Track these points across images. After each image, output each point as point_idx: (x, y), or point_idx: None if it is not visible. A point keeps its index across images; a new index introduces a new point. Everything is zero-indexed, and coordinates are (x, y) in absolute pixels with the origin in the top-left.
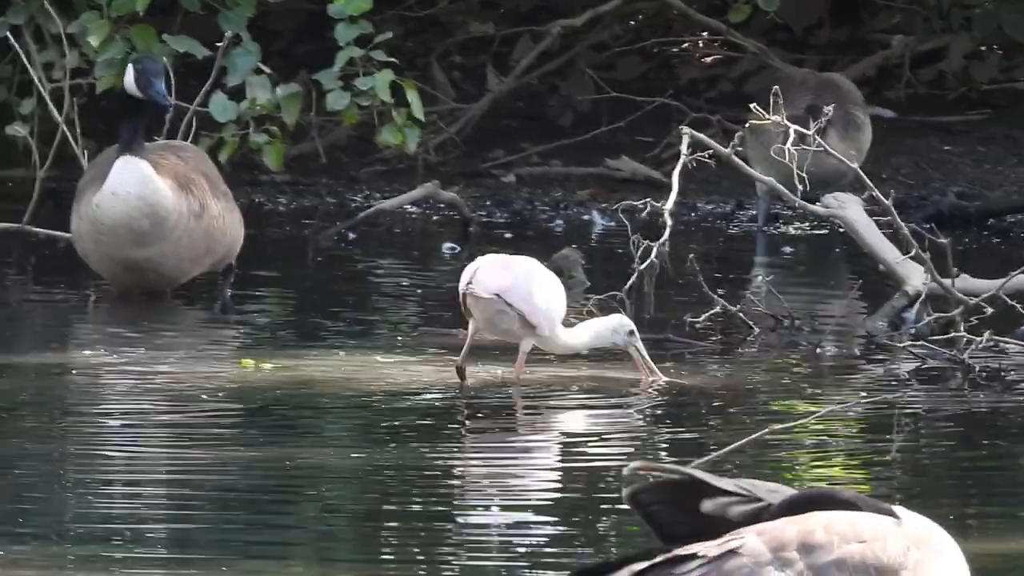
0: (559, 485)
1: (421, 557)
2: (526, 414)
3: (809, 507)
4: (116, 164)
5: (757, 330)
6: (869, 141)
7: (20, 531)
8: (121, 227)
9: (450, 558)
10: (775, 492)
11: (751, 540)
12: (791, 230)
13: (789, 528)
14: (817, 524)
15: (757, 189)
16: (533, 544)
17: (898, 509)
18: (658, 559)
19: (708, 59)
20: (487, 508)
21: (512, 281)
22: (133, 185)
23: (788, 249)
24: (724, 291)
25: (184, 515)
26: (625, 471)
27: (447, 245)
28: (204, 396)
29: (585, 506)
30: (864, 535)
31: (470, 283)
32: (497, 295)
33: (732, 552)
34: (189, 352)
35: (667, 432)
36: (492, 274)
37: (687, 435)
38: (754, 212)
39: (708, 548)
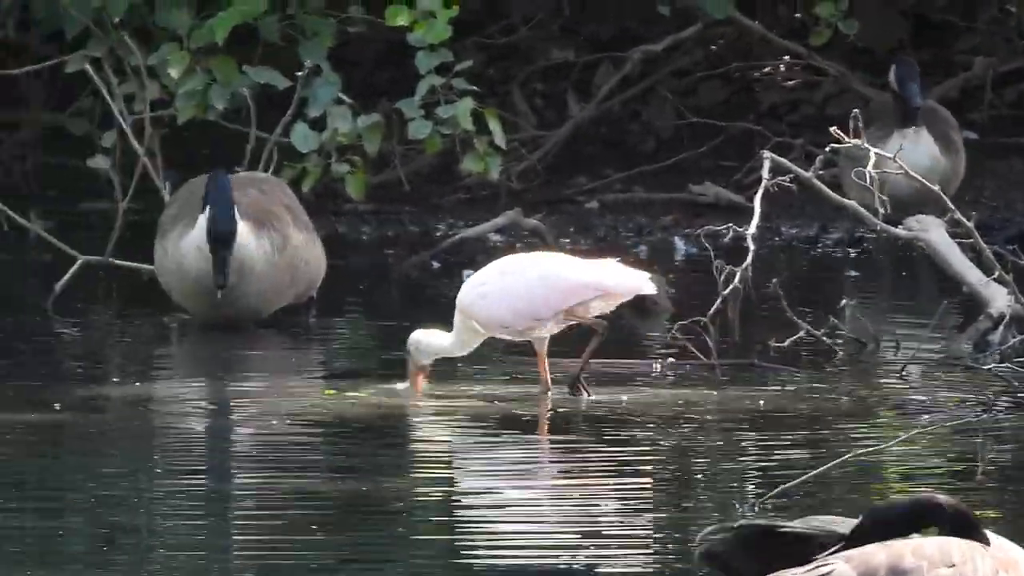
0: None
1: None
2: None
3: (910, 520)
4: (204, 217)
5: (842, 353)
6: (963, 168)
7: (106, 560)
8: (205, 278)
9: None
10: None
11: (840, 566)
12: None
13: (878, 553)
14: (906, 549)
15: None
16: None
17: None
18: None
19: (789, 83)
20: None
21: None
22: None
23: (853, 273)
24: (808, 315)
25: (272, 544)
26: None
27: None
28: (289, 424)
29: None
30: (953, 559)
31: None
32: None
33: None
34: (272, 382)
35: (752, 458)
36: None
37: (771, 460)
38: (837, 235)
39: (797, 575)
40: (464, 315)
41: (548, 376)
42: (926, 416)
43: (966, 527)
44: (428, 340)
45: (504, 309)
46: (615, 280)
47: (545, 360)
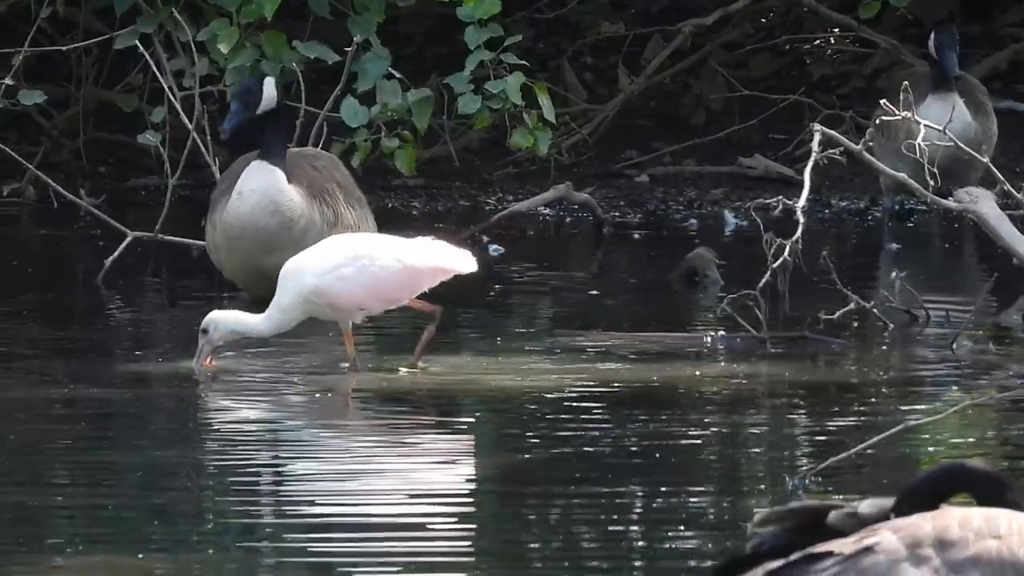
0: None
1: None
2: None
3: (936, 488)
4: (248, 168)
5: (892, 326)
6: (995, 132)
7: (153, 538)
8: (248, 227)
9: None
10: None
11: (886, 537)
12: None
13: (924, 524)
14: (952, 520)
15: (882, 185)
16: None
17: None
18: (793, 557)
19: (839, 55)
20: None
21: None
22: (259, 183)
23: (894, 246)
24: (858, 288)
25: (323, 525)
26: (750, 526)
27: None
28: (334, 401)
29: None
30: (1000, 530)
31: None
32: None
33: (868, 549)
34: (322, 359)
35: (802, 430)
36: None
37: (821, 433)
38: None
39: (843, 545)
40: (312, 295)
41: (355, 352)
42: (976, 388)
43: (996, 490)
44: (235, 320)
45: (363, 292)
46: (454, 261)
47: (351, 338)
